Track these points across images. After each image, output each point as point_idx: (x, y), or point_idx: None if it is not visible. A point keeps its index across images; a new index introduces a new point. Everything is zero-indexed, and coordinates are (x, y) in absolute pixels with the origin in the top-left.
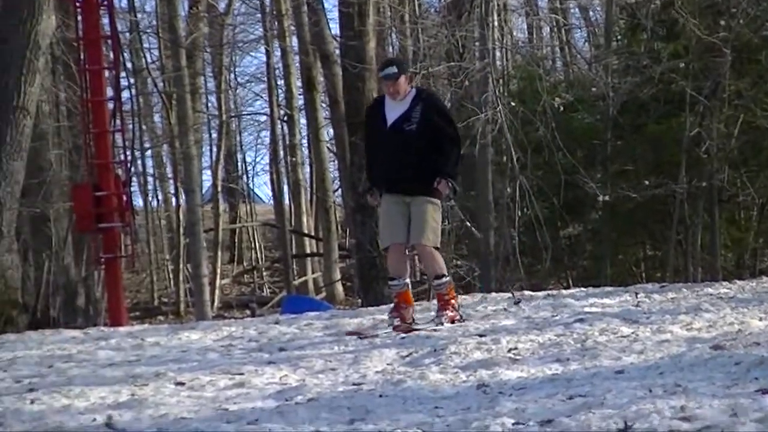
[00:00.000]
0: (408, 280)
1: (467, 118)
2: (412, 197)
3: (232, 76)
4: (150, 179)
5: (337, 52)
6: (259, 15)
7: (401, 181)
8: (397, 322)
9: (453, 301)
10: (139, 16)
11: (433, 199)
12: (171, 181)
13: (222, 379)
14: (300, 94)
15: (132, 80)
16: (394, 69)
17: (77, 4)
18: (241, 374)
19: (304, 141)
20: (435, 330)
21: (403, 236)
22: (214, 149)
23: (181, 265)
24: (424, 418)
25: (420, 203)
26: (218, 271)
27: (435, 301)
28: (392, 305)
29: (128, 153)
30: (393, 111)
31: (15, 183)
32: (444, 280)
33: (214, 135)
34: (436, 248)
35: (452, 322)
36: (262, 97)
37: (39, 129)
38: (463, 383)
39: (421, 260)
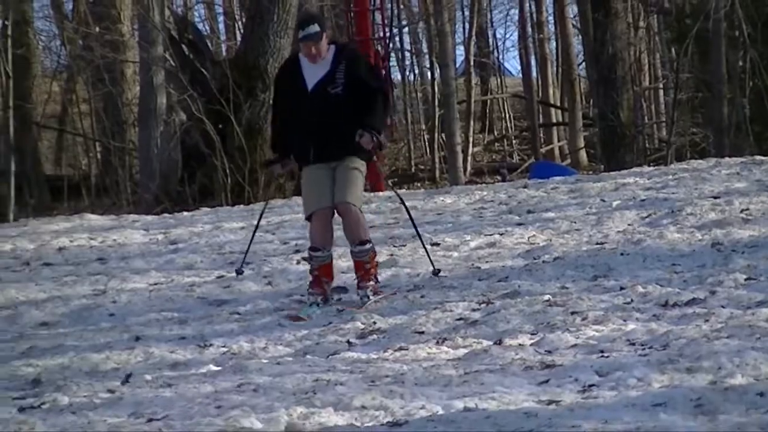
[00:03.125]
0: (332, 252)
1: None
2: (338, 161)
3: None
4: (407, 55)
5: None
6: None
7: (328, 148)
8: (320, 299)
9: (374, 270)
10: None
11: (360, 161)
12: (426, 56)
13: (474, 239)
14: None
15: None
16: (316, 27)
17: None
18: (492, 235)
19: (551, 18)
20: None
21: (330, 201)
22: (467, 26)
23: (436, 135)
24: (662, 274)
25: (346, 164)
26: (470, 139)
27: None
28: (311, 280)
29: (387, 30)
30: (313, 73)
31: (282, 58)
32: (367, 246)
33: (467, 13)
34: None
35: (375, 293)
36: None
37: (303, 8)
38: (698, 242)
39: (343, 222)
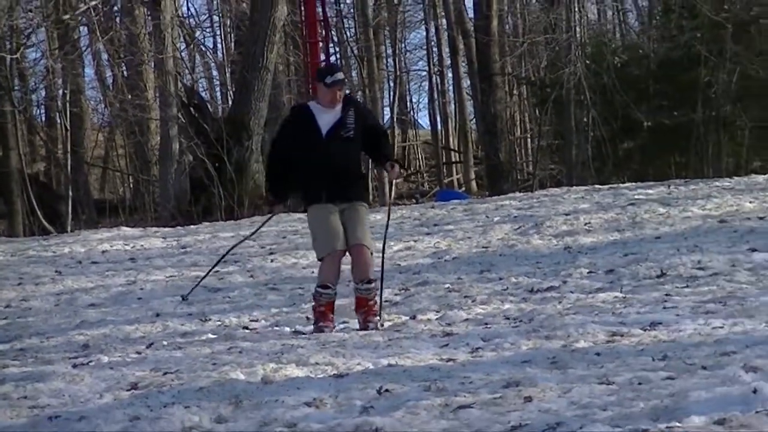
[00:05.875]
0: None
1: (557, 71)
2: (349, 203)
3: (403, 45)
4: None
5: (472, 28)
6: (421, 3)
7: (340, 190)
8: (329, 330)
9: (375, 306)
10: (342, 6)
11: (366, 204)
12: None
13: (396, 244)
14: (448, 57)
15: (337, 49)
16: (342, 75)
17: None
18: (409, 241)
19: (451, 87)
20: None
21: (343, 244)
22: (392, 93)
23: (369, 170)
24: (529, 269)
25: (357, 207)
26: None
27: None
28: (317, 316)
29: None
30: (325, 119)
31: (260, 117)
32: (373, 285)
33: (392, 84)
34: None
35: (383, 325)
36: (423, 59)
37: (276, 81)
38: (554, 246)
39: (357, 262)
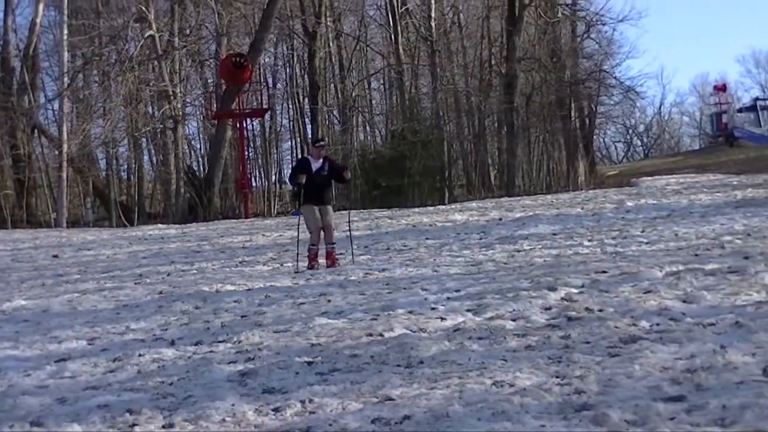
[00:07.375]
0: (319, 247)
1: (347, 160)
2: (323, 206)
3: (280, 150)
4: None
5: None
6: (290, 131)
7: (319, 199)
8: (316, 265)
9: (335, 255)
10: (255, 131)
11: (332, 206)
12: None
13: (305, 232)
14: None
15: (252, 150)
16: (324, 142)
17: (238, 127)
18: (304, 231)
19: None
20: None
21: (320, 223)
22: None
23: None
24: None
25: (327, 207)
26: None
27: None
28: (308, 260)
29: (249, 172)
30: (314, 165)
31: (218, 179)
32: (335, 245)
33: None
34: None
35: (339, 264)
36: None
37: (226, 162)
38: (343, 236)
39: (327, 234)
